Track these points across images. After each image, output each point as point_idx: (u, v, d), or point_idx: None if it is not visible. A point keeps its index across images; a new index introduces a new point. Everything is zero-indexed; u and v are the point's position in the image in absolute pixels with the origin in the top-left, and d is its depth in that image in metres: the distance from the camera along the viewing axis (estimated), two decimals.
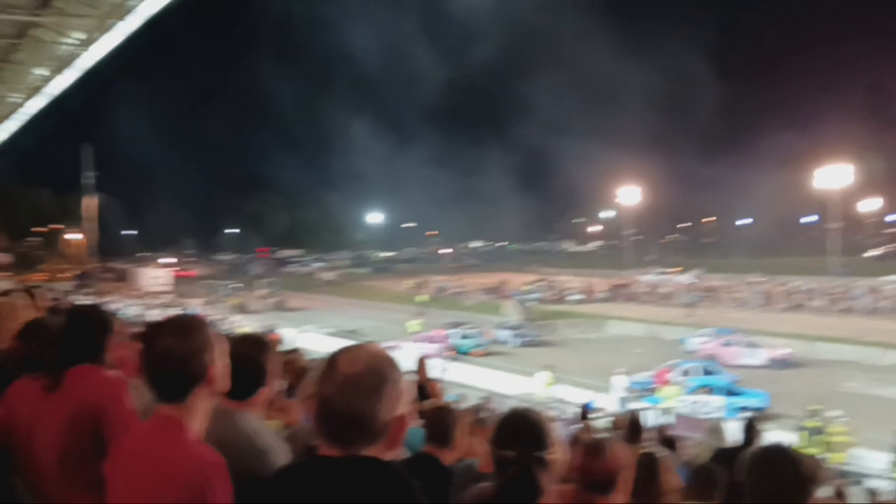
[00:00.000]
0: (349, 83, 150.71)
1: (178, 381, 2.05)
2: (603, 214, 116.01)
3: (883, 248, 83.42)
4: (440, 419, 3.45)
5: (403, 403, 1.69)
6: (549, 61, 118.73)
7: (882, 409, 21.38)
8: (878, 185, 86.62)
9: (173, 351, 2.05)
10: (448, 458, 3.36)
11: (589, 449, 2.56)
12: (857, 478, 14.16)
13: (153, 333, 2.11)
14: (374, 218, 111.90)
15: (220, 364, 2.14)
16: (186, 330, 2.10)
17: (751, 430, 5.83)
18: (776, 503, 2.02)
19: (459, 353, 35.56)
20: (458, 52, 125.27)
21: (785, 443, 2.24)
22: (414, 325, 39.56)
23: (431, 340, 36.07)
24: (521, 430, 2.10)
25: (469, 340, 37.63)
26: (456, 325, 40.22)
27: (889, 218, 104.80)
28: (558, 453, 2.09)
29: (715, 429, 8.32)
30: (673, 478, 3.72)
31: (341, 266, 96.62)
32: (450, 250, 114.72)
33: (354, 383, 1.64)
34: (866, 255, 79.02)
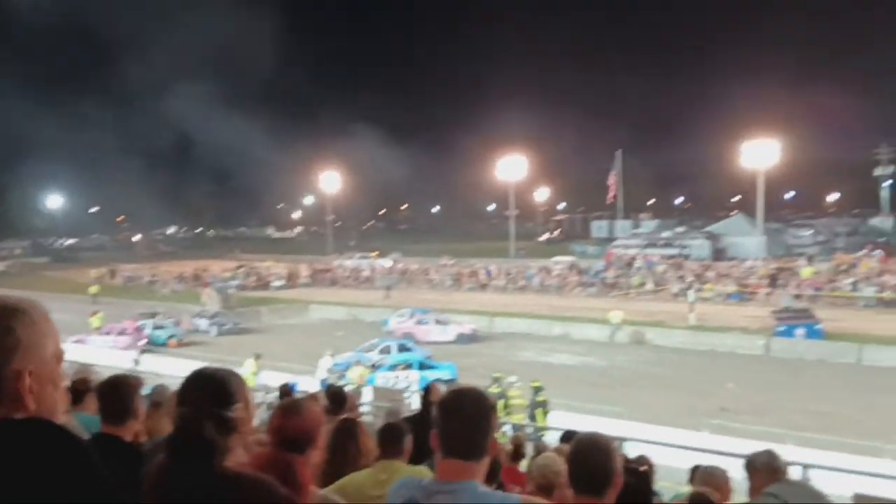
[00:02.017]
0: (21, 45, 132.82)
1: None
2: (305, 200, 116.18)
3: (550, 233, 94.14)
4: (112, 394, 3.21)
5: (22, 357, 1.52)
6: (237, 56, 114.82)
7: (551, 375, 24.20)
8: (549, 176, 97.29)
9: None
10: (129, 433, 3.16)
11: (284, 409, 2.60)
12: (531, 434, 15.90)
13: None
14: (54, 201, 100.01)
15: None
16: None
17: (427, 394, 6.24)
18: (469, 429, 2.16)
19: (154, 345, 33.71)
20: (153, 30, 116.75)
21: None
22: (95, 319, 36.12)
23: (123, 332, 33.78)
24: (198, 387, 2.00)
25: (163, 331, 35.88)
26: (149, 315, 38.17)
27: (559, 206, 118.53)
28: (241, 411, 2.02)
29: (393, 411, 8.77)
30: (370, 441, 3.93)
31: (15, 255, 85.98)
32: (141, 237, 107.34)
33: None
34: (539, 239, 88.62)
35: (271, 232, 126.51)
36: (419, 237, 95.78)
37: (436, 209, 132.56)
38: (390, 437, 3.74)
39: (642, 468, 3.18)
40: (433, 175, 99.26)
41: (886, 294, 37.91)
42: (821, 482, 9.56)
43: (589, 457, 2.47)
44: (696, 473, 5.09)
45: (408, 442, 3.76)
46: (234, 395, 1.98)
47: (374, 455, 3.80)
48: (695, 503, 4.08)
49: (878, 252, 47.74)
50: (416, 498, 2.14)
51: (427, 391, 6.24)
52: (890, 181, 76.02)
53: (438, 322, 35.61)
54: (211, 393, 1.97)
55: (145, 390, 3.72)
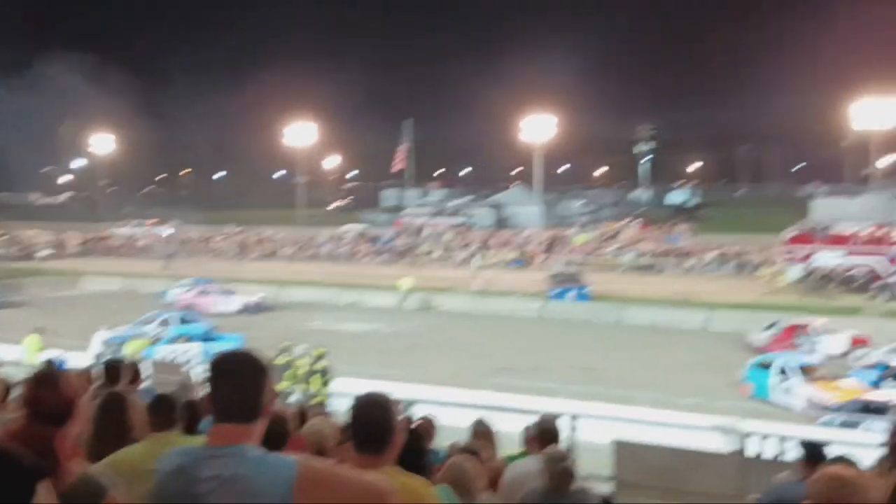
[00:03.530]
0: None
1: None
2: (74, 164, 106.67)
3: (341, 200, 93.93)
4: None
5: None
6: None
7: (341, 343, 24.32)
8: (340, 144, 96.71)
9: None
10: None
11: (38, 379, 2.43)
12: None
13: None
14: None
15: None
16: None
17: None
18: (241, 390, 2.10)
19: None
20: None
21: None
22: None
23: None
24: None
25: None
26: None
27: (349, 174, 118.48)
28: None
29: (184, 383, 8.46)
30: (141, 414, 3.74)
31: None
32: None
33: None
34: (329, 207, 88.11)
35: (35, 198, 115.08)
36: (202, 204, 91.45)
37: (220, 175, 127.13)
38: (161, 409, 3.60)
39: (415, 426, 3.32)
40: (217, 139, 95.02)
41: (644, 259, 42.06)
42: (587, 430, 10.54)
43: (369, 414, 2.55)
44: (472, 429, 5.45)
45: (180, 412, 3.65)
46: None
47: (146, 429, 3.65)
48: (463, 451, 4.34)
49: (638, 221, 52.75)
50: (185, 465, 2.07)
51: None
52: (649, 157, 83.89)
53: (223, 292, 34.44)
54: None
55: None
